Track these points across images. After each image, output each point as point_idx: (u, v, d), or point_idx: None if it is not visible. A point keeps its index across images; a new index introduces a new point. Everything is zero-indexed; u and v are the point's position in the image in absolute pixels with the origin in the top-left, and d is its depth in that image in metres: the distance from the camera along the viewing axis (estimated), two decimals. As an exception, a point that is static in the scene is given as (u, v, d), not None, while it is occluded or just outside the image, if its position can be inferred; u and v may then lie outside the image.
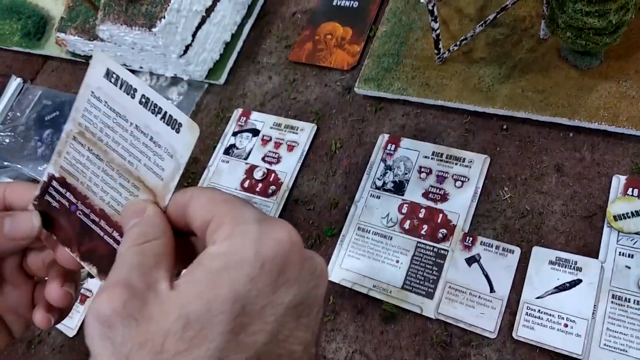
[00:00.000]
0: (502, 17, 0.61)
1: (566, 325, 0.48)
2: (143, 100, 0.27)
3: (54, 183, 0.30)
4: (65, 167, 0.30)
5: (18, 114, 0.85)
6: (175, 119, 0.26)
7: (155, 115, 0.26)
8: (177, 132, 0.26)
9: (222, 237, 0.23)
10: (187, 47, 0.69)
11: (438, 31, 0.56)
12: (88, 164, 0.29)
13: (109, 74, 0.27)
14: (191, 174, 0.69)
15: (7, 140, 0.82)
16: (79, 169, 0.29)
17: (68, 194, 0.30)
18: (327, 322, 0.55)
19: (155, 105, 0.26)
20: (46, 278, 0.31)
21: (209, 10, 0.71)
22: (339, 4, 0.73)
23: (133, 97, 0.27)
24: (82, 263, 0.29)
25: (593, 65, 0.55)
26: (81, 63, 0.86)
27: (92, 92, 0.28)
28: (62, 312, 0.32)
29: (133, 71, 0.80)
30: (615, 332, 0.46)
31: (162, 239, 0.25)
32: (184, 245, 0.27)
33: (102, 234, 0.29)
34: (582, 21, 0.48)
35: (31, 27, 0.90)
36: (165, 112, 0.26)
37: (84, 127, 0.29)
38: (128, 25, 0.66)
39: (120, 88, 0.27)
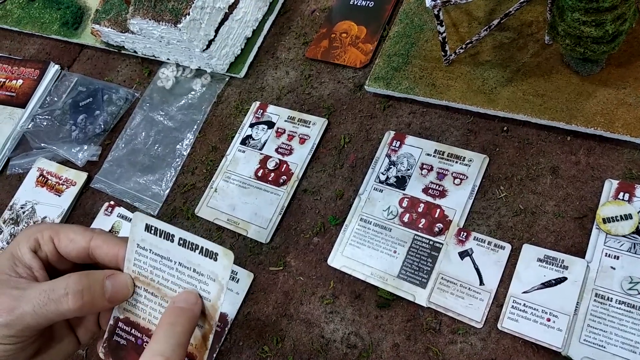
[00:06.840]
0: (510, 21, 0.63)
1: (549, 320, 0.50)
2: (181, 242, 0.32)
3: (120, 324, 0.35)
4: (128, 308, 0.35)
5: (55, 98, 0.91)
6: (211, 251, 0.31)
7: (194, 251, 0.32)
8: (215, 260, 0.31)
9: None
10: (210, 42, 0.74)
11: (444, 34, 0.59)
12: (146, 301, 0.34)
13: (148, 228, 0.33)
14: (210, 162, 0.74)
15: (45, 123, 0.88)
16: (139, 307, 0.35)
17: (133, 330, 0.35)
18: (327, 305, 0.59)
19: (192, 243, 0.32)
20: None
21: (232, 7, 0.75)
22: (355, 3, 0.76)
23: (172, 241, 0.32)
24: None
25: (594, 71, 0.56)
26: (114, 53, 0.91)
27: (138, 244, 0.34)
28: None
29: (161, 62, 0.85)
30: (596, 328, 0.49)
31: None
32: None
33: None
34: (579, 30, 0.50)
35: (69, 17, 0.96)
36: (202, 247, 0.31)
37: (137, 272, 0.34)
38: (155, 20, 0.71)
39: (160, 236, 0.33)
